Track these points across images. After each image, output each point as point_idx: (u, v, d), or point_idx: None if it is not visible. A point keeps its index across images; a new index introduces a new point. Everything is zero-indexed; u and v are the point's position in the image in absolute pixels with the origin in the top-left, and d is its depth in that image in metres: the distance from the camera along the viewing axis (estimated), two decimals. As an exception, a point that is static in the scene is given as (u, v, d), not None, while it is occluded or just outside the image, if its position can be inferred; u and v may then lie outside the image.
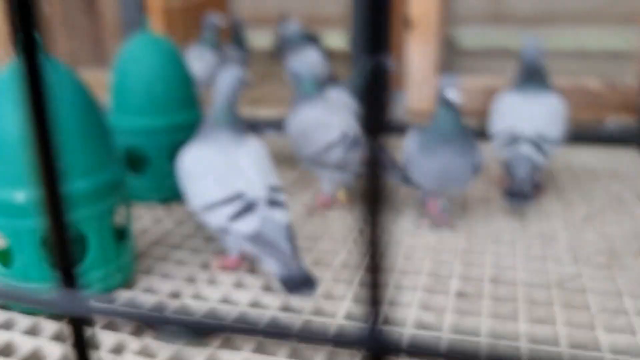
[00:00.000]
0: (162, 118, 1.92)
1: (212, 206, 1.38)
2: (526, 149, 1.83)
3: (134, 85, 1.91)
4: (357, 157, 1.77)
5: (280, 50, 4.97)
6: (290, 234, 1.36)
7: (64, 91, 1.30)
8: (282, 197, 1.42)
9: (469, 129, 1.68)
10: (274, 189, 1.41)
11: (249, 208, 1.35)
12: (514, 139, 1.87)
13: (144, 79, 1.90)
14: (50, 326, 1.30)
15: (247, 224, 1.34)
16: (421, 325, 1.29)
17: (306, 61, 2.94)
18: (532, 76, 1.94)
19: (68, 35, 3.61)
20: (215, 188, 1.38)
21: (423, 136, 1.66)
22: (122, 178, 1.44)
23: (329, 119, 1.78)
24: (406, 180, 1.73)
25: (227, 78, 1.48)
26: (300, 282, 1.29)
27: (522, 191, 1.79)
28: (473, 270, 1.50)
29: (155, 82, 1.90)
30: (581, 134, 2.63)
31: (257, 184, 1.38)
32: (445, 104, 1.59)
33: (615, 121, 2.61)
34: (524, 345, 1.17)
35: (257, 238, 1.33)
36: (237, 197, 1.36)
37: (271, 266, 1.33)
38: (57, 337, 1.27)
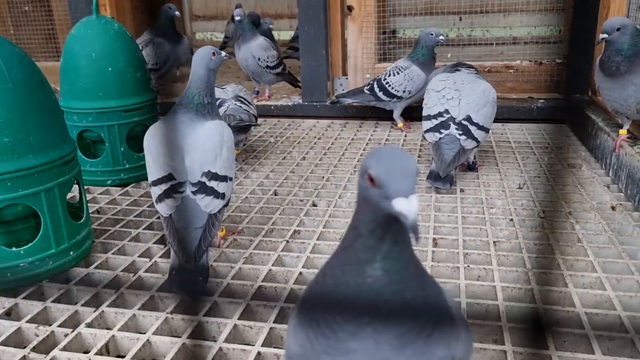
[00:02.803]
0: (113, 101, 1.85)
1: (151, 184, 1.32)
2: (455, 132, 1.82)
3: (84, 68, 1.82)
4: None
5: (229, 40, 4.90)
6: (209, 222, 1.27)
7: (13, 68, 1.23)
8: (218, 184, 1.30)
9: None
10: (210, 176, 1.29)
11: (172, 191, 1.26)
12: (443, 123, 1.84)
13: (94, 62, 1.82)
14: None
15: (163, 208, 1.26)
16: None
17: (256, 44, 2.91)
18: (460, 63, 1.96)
19: (16, 26, 3.44)
20: (153, 167, 1.32)
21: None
22: (73, 156, 1.37)
23: None
24: None
25: (198, 57, 1.39)
26: (186, 278, 1.19)
27: (444, 175, 1.77)
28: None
29: (105, 64, 1.82)
30: (515, 112, 2.69)
31: (189, 168, 1.29)
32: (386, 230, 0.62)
33: None
34: (464, 301, 1.19)
35: (168, 222, 1.26)
36: (167, 179, 1.27)
37: (171, 255, 1.25)
38: None
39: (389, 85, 2.47)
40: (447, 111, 1.85)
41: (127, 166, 1.94)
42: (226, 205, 1.36)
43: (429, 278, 0.67)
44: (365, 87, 2.57)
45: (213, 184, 1.30)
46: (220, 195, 1.31)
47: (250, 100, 2.20)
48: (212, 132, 1.36)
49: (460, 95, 1.87)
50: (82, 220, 1.42)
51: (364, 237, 0.61)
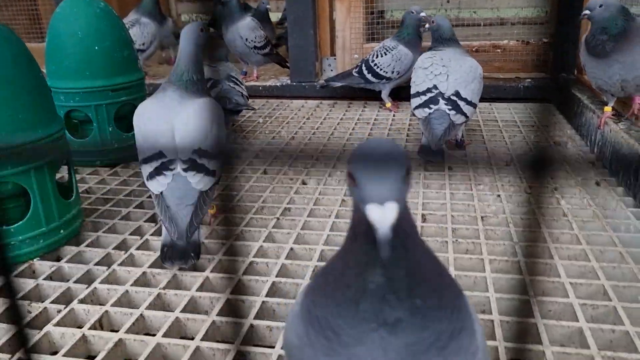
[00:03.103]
0: (100, 80, 1.83)
1: (141, 162, 1.32)
2: (444, 107, 1.83)
3: (70, 47, 1.80)
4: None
5: (217, 21, 4.84)
6: (201, 199, 1.27)
7: (1, 46, 1.22)
8: (209, 162, 1.29)
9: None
10: (200, 153, 1.29)
11: (163, 169, 1.26)
12: (432, 98, 1.85)
13: (80, 41, 1.80)
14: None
15: (154, 185, 1.27)
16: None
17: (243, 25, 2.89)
18: (447, 39, 1.97)
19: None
20: (143, 145, 1.31)
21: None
22: (62, 134, 1.37)
23: None
24: None
25: (186, 33, 1.38)
26: (178, 255, 1.22)
27: (436, 149, 1.77)
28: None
29: (91, 43, 1.80)
30: (503, 91, 2.71)
31: (180, 146, 1.28)
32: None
33: None
34: (453, 273, 1.21)
35: (160, 200, 1.26)
36: (157, 157, 1.27)
37: (163, 232, 1.26)
38: None
39: (377, 67, 2.47)
40: (435, 87, 1.85)
41: (116, 146, 1.93)
42: (217, 182, 1.36)
43: (448, 281, 0.58)
44: (354, 70, 2.56)
45: (204, 161, 1.30)
46: (211, 173, 1.31)
47: (241, 80, 2.19)
48: (202, 109, 1.36)
49: (448, 71, 1.88)
50: (72, 199, 1.42)
51: (361, 238, 0.53)
